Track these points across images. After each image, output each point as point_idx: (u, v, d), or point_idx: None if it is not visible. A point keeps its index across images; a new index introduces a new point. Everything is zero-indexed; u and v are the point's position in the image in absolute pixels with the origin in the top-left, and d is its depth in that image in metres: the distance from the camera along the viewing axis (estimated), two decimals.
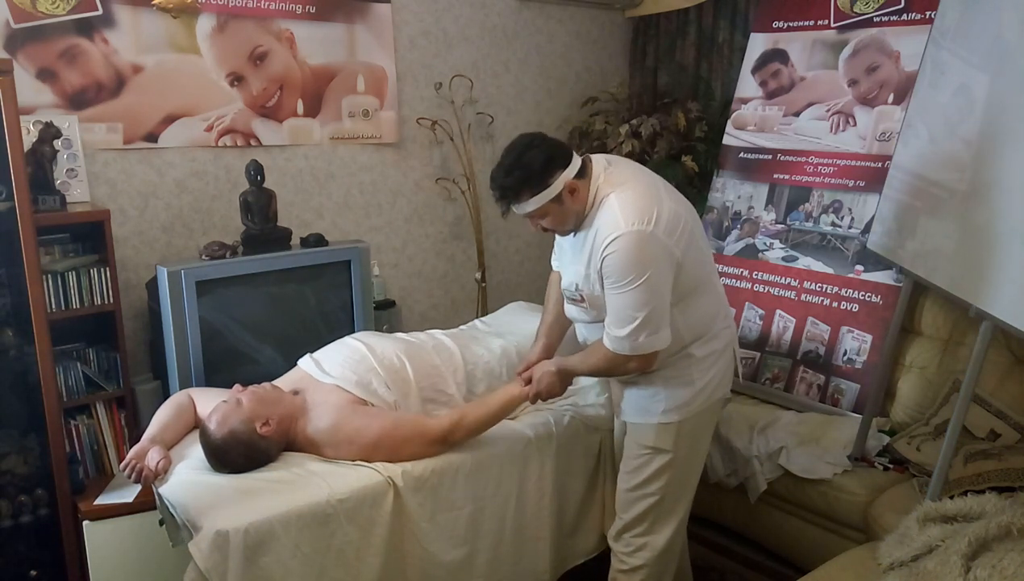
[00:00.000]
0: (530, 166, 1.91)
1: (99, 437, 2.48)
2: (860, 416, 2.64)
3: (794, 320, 3.01)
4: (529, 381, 2.15)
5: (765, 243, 3.15)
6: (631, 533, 2.18)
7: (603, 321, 2.00)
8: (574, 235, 2.03)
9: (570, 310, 2.15)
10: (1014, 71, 1.96)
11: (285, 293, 2.65)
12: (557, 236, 2.16)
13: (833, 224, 2.98)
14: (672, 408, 2.07)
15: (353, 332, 2.53)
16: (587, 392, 2.42)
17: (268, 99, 3.00)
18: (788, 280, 3.05)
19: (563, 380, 2.15)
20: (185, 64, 2.80)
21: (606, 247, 1.88)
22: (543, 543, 2.29)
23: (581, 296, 2.04)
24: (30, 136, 2.37)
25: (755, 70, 3.31)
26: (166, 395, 2.40)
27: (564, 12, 3.85)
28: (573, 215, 1.97)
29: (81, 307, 2.38)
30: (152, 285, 2.54)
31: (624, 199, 1.91)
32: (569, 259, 2.08)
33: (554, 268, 2.30)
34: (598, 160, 2.01)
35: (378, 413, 2.10)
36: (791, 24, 3.23)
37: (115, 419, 2.50)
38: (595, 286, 1.97)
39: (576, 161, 1.95)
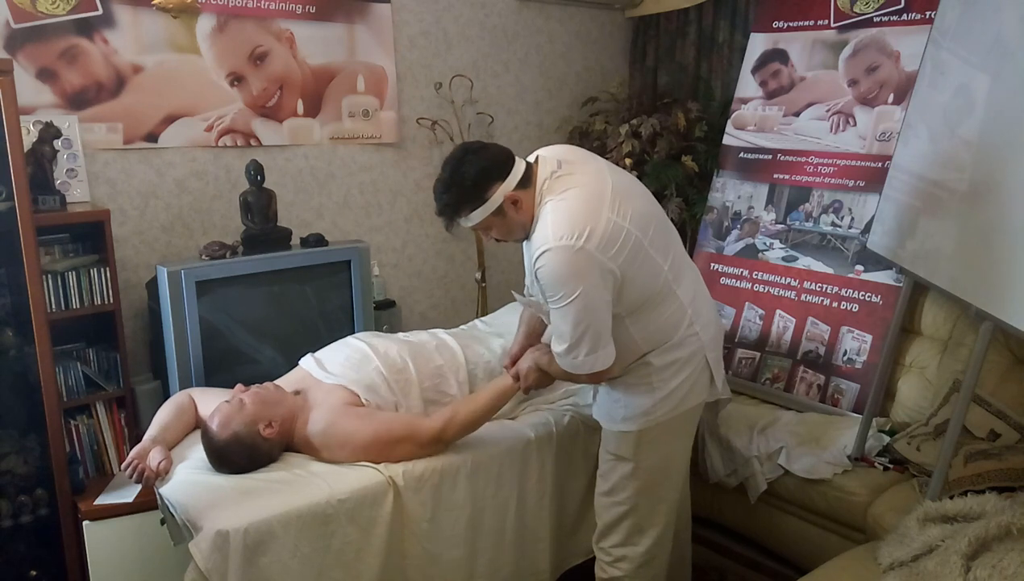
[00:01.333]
0: (463, 182, 1.83)
1: (99, 437, 2.47)
2: (860, 416, 2.64)
3: (794, 320, 3.01)
4: (517, 375, 2.12)
5: (765, 243, 3.15)
6: (609, 542, 2.14)
7: None
8: (527, 242, 1.96)
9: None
10: (1014, 71, 1.96)
11: (285, 293, 2.65)
12: None
13: (833, 224, 2.98)
14: (631, 416, 2.01)
15: (353, 332, 2.54)
16: (587, 392, 2.42)
17: (268, 99, 3.00)
18: (788, 280, 3.05)
19: (544, 375, 2.11)
20: (185, 64, 2.80)
21: (536, 260, 1.82)
22: (543, 543, 2.29)
23: (530, 302, 2.05)
24: (30, 136, 2.37)
25: (755, 70, 3.31)
26: (166, 395, 2.40)
27: (564, 12, 3.85)
28: (519, 226, 1.89)
29: (81, 307, 2.37)
30: (152, 285, 2.54)
31: (558, 210, 1.82)
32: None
33: None
34: (546, 163, 1.91)
35: (372, 415, 2.09)
36: (791, 24, 3.23)
37: (115, 419, 2.49)
38: (540, 294, 1.92)
39: (518, 170, 1.86)
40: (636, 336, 1.95)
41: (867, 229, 2.81)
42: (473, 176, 1.83)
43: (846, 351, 2.85)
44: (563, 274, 1.78)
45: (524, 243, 2.00)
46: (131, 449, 2.03)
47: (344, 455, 2.03)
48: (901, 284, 2.65)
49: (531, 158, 1.95)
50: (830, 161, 3.02)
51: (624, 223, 1.84)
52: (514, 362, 2.19)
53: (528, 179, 1.87)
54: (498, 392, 2.15)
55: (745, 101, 3.32)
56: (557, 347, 1.89)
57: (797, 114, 3.16)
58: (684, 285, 2.02)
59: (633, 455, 2.03)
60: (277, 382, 2.21)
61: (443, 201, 1.87)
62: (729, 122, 3.35)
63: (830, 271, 2.94)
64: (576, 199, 1.83)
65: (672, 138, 3.52)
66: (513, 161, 1.88)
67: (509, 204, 1.85)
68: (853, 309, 2.86)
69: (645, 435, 2.02)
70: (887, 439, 2.62)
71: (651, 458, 2.05)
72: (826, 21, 3.12)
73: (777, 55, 3.26)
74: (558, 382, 2.47)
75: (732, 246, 3.25)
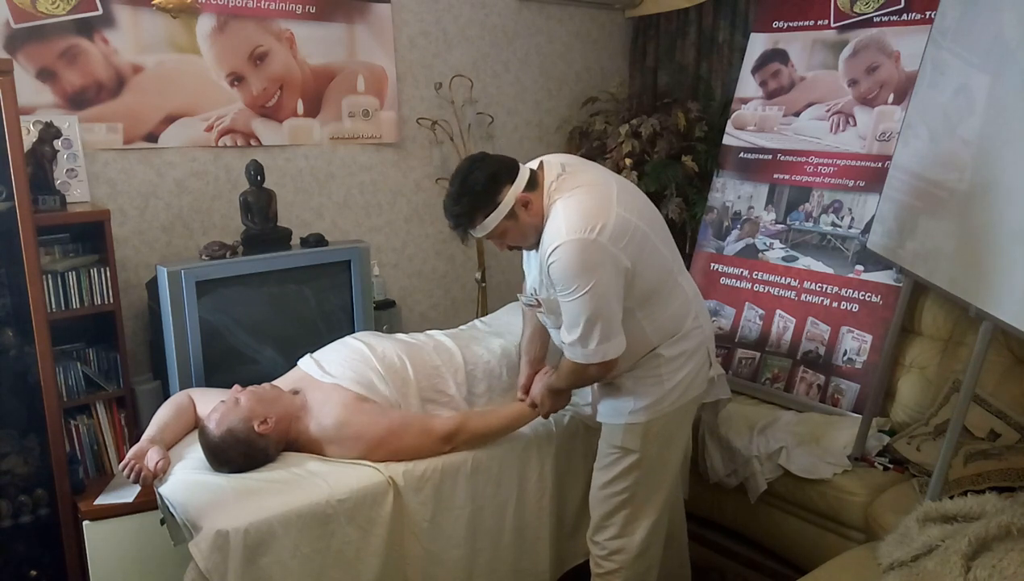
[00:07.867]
0: (475, 188, 1.88)
1: (99, 437, 2.48)
2: (860, 416, 2.64)
3: (794, 320, 3.01)
4: (533, 403, 2.21)
5: (765, 243, 3.15)
6: (605, 535, 2.17)
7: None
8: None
9: (535, 316, 2.17)
10: (1014, 71, 1.96)
11: (285, 293, 2.65)
12: None
13: (833, 224, 2.98)
14: (640, 408, 2.06)
15: (353, 332, 2.53)
16: (587, 392, 2.42)
17: (268, 99, 3.00)
18: (788, 280, 3.05)
19: (559, 395, 2.18)
20: (185, 64, 2.80)
21: (549, 256, 1.86)
22: (543, 543, 2.29)
23: (538, 301, 2.04)
24: (30, 136, 2.37)
25: (755, 70, 3.31)
26: (166, 395, 2.40)
27: (564, 12, 3.85)
28: (532, 229, 1.92)
29: (81, 307, 2.37)
30: (152, 285, 2.54)
31: (569, 206, 1.87)
32: (531, 265, 2.09)
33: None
34: (551, 167, 1.96)
35: (385, 410, 2.12)
36: (791, 24, 3.23)
37: (115, 419, 2.50)
38: (550, 291, 1.95)
39: (524, 173, 1.91)
40: (647, 329, 2.00)
41: (867, 229, 2.81)
42: (483, 181, 1.88)
43: (846, 351, 2.85)
44: (577, 266, 1.83)
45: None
46: (130, 449, 2.03)
47: (356, 449, 2.05)
48: (901, 284, 2.65)
49: (534, 164, 2.00)
50: (830, 161, 3.02)
51: (631, 217, 1.91)
52: (525, 392, 2.24)
53: (535, 182, 1.93)
54: (514, 415, 2.21)
55: (745, 101, 3.32)
56: (568, 338, 1.92)
57: (797, 114, 3.16)
58: (686, 278, 2.11)
59: (640, 446, 2.07)
60: (274, 382, 2.21)
61: (456, 212, 1.91)
62: (729, 122, 3.35)
63: (830, 271, 2.94)
64: (585, 195, 1.89)
65: (672, 138, 3.52)
66: (518, 165, 1.94)
67: (520, 206, 1.90)
68: (853, 309, 2.86)
69: (652, 426, 2.07)
70: (887, 439, 2.63)
71: (655, 448, 2.10)
72: (826, 21, 3.12)
73: (777, 55, 3.25)
74: None
75: (732, 246, 3.25)
